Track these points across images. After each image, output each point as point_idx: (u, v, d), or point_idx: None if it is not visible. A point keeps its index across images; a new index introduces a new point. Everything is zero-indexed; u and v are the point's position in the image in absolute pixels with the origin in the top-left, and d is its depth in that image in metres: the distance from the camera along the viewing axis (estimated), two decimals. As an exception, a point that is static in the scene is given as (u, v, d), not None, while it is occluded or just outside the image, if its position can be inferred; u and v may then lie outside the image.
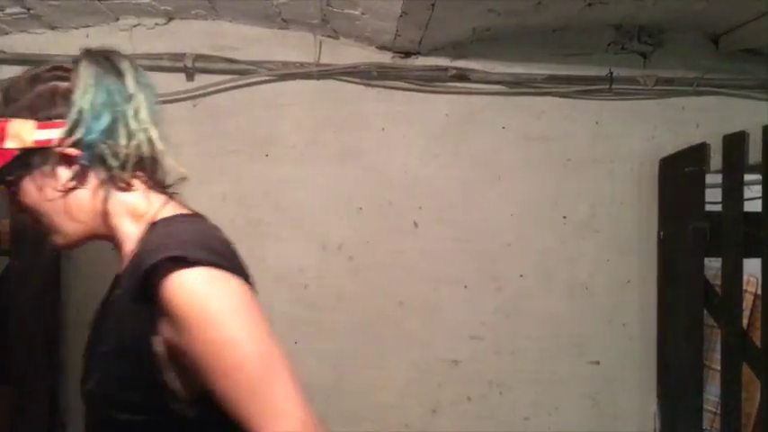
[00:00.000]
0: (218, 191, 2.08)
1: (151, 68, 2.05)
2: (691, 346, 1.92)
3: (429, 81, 2.10)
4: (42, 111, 0.96)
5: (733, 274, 1.83)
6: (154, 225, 0.98)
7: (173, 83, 2.06)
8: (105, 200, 1.00)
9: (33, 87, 0.98)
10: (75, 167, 0.97)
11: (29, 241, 1.96)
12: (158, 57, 2.04)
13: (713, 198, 1.94)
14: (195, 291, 0.85)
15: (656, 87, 2.12)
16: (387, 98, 2.11)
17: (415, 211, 2.11)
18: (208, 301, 0.85)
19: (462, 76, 2.10)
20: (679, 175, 2.02)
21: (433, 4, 1.68)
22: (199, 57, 2.04)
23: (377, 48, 2.10)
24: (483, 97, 2.13)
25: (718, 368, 1.87)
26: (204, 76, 2.07)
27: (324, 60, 2.09)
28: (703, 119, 2.15)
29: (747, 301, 2.37)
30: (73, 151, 0.96)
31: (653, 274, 2.14)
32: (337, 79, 2.10)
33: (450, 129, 2.13)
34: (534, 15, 1.87)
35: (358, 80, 2.09)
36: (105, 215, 1.01)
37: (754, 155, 1.89)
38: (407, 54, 2.10)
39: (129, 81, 1.00)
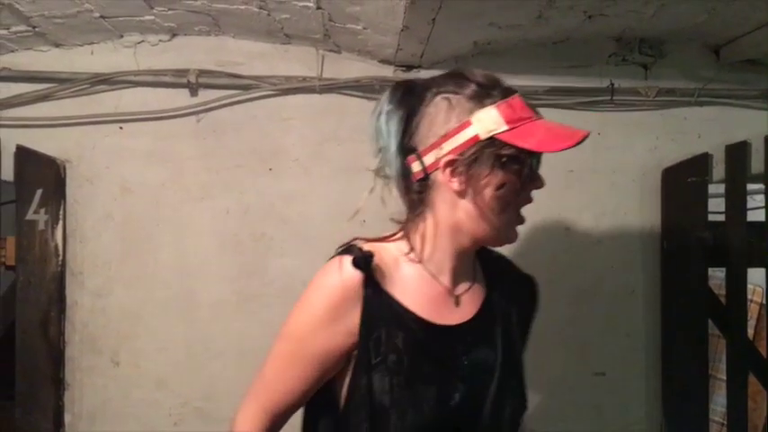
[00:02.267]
0: (221, 205, 2.09)
1: (155, 84, 2.08)
2: (696, 357, 1.91)
3: (431, 94, 2.11)
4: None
5: (737, 283, 1.82)
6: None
7: (177, 98, 2.07)
8: None
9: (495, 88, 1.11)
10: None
11: (34, 258, 1.97)
12: (162, 73, 2.06)
13: (716, 208, 1.94)
14: None
15: (657, 98, 2.12)
16: (389, 111, 2.12)
17: (418, 224, 2.11)
18: None
19: (464, 88, 2.11)
20: (682, 185, 2.02)
21: (434, 19, 1.69)
22: (202, 72, 2.06)
23: (379, 61, 2.11)
24: (485, 110, 2.13)
25: (725, 378, 1.87)
26: (208, 91, 2.08)
27: (326, 74, 2.10)
28: (705, 129, 2.15)
29: (753, 311, 2.37)
30: (510, 153, 1.06)
31: (657, 284, 2.14)
32: (340, 93, 2.11)
33: (452, 141, 2.13)
34: (535, 28, 1.88)
35: (360, 94, 2.10)
36: None
37: (757, 164, 1.89)
38: (409, 68, 2.11)
39: None
